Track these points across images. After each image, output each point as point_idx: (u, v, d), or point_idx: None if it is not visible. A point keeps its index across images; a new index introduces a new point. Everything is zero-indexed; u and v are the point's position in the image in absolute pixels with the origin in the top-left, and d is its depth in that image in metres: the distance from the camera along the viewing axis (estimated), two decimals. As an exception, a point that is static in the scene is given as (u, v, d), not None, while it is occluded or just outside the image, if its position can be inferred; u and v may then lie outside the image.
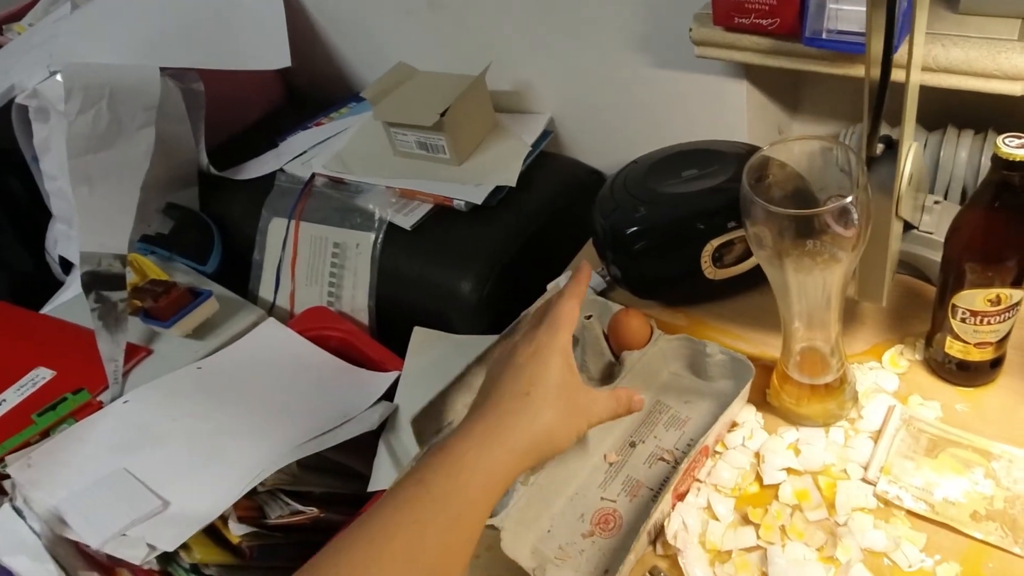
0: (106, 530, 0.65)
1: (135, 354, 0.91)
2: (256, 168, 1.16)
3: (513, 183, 1.00)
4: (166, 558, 0.66)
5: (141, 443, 0.74)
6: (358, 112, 1.24)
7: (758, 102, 0.97)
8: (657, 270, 0.72)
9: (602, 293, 0.77)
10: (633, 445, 0.62)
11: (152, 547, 0.64)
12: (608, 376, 0.65)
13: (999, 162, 0.50)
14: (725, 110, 0.96)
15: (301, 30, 1.27)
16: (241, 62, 1.14)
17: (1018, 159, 0.49)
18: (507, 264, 0.95)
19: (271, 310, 1.07)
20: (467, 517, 0.41)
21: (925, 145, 0.88)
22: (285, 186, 1.10)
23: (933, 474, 0.55)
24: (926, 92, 0.80)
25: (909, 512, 0.53)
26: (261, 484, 0.68)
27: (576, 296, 0.52)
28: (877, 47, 0.50)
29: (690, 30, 0.86)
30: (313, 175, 1.09)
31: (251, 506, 0.70)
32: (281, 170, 1.12)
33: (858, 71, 0.77)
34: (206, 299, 0.92)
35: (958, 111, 0.88)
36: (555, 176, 1.09)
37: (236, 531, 0.68)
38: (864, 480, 0.56)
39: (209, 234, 1.10)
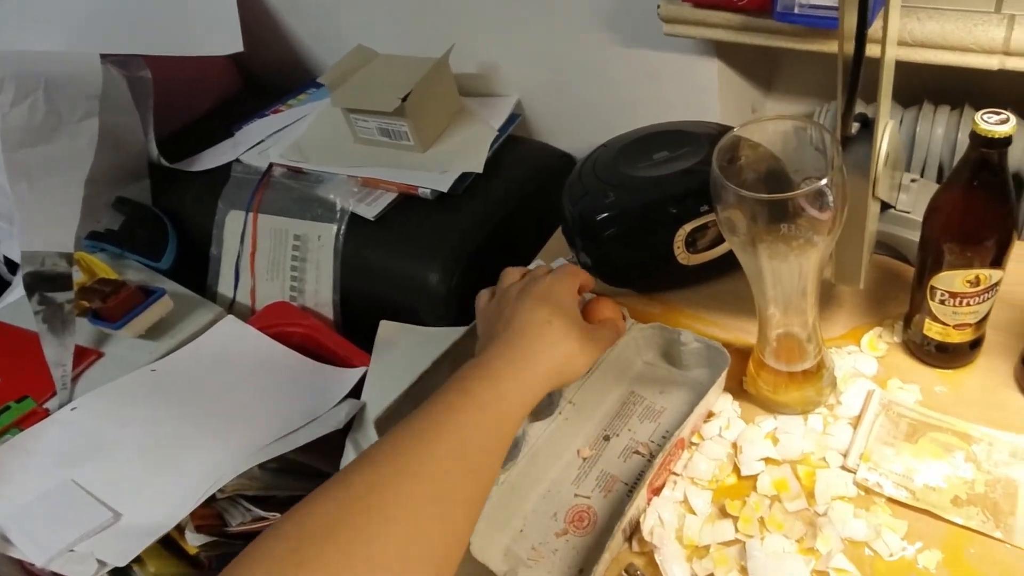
0: (52, 547, 0.63)
1: (84, 358, 0.88)
2: (211, 159, 1.13)
3: (480, 169, 0.98)
4: (118, 573, 0.63)
5: (90, 452, 0.72)
6: (317, 98, 1.21)
7: (730, 80, 0.96)
8: (629, 257, 0.71)
9: (573, 282, 0.75)
10: (607, 439, 0.61)
11: (102, 563, 0.62)
12: (580, 368, 0.64)
13: (977, 139, 0.49)
14: (697, 89, 0.95)
15: (254, 13, 1.24)
16: (190, 47, 1.11)
17: (997, 136, 0.48)
18: (475, 253, 0.93)
19: (231, 307, 1.04)
20: (504, 425, 0.46)
21: (901, 122, 0.88)
22: (242, 177, 1.07)
23: (913, 460, 0.55)
24: (902, 67, 0.80)
25: (890, 499, 0.53)
26: (220, 491, 0.66)
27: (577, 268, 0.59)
28: (851, 21, 0.48)
29: (658, 7, 0.84)
30: (271, 165, 1.06)
31: (210, 514, 0.68)
32: (237, 160, 1.09)
33: (832, 47, 0.76)
34: (159, 298, 0.89)
35: (934, 86, 0.88)
36: (524, 161, 1.07)
37: (193, 541, 0.66)
38: (844, 468, 0.56)
39: (162, 229, 1.07)
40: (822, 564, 0.50)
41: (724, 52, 0.92)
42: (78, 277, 0.93)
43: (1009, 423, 0.57)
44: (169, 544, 0.67)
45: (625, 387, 0.64)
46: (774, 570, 0.49)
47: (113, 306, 0.87)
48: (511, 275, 0.58)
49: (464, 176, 0.98)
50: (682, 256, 0.70)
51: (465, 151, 1.02)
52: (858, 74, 0.48)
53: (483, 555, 0.52)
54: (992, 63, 0.73)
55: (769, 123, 0.53)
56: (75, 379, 0.86)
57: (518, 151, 1.08)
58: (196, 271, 1.07)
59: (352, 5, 1.16)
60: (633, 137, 0.78)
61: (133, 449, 0.72)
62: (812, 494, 0.54)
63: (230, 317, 0.91)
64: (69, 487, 0.68)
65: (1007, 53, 0.71)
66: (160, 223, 1.08)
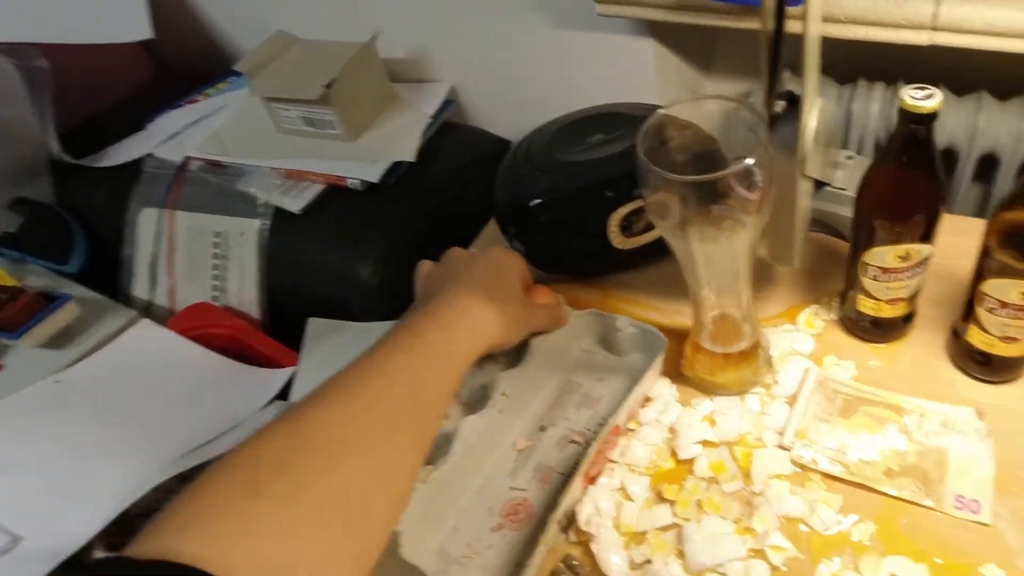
0: (-53, 575, 0.61)
1: (-21, 371, 0.86)
2: (121, 153, 1.10)
3: (412, 157, 0.99)
4: (23, 600, 0.62)
5: (-15, 473, 0.69)
6: (237, 87, 1.19)
7: (667, 61, 0.98)
8: (563, 243, 0.73)
9: (508, 270, 0.76)
10: (543, 429, 0.62)
11: (1, 590, 0.60)
12: (516, 358, 0.65)
13: (905, 115, 0.52)
14: (633, 71, 0.97)
15: (165, -4, 1.22)
16: (93, 34, 1.08)
17: (925, 111, 0.51)
18: (409, 244, 0.94)
19: (148, 310, 1.02)
20: (452, 369, 0.50)
21: (837, 99, 0.91)
22: (155, 172, 1.05)
23: (848, 434, 0.58)
24: (836, 44, 0.83)
25: (825, 475, 0.56)
26: (134, 506, 0.65)
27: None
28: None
29: (589, -15, 0.86)
30: (187, 159, 1.04)
31: (123, 532, 0.66)
32: (150, 155, 1.07)
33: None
34: (63, 304, 0.87)
35: (869, 63, 0.92)
36: (459, 148, 1.08)
37: (104, 561, 0.64)
38: (780, 446, 0.58)
39: (67, 230, 1.04)
40: (759, 543, 0.52)
41: (659, 32, 0.94)
42: (-29, 285, 0.90)
43: (940, 394, 0.60)
44: (78, 567, 0.65)
45: (562, 376, 0.66)
46: (711, 552, 0.51)
47: (11, 315, 0.84)
48: (457, 250, 0.63)
49: (396, 165, 0.98)
50: (617, 240, 0.71)
51: (396, 139, 1.02)
52: (779, 51, 0.50)
53: (414, 556, 0.52)
54: (922, 38, 0.76)
55: (697, 104, 0.55)
56: (-31, 395, 0.83)
57: (453, 138, 1.09)
58: (108, 274, 1.04)
59: (270, -13, 1.15)
60: (567, 121, 0.79)
61: (34, 467, 0.70)
62: (749, 474, 0.56)
63: (144, 321, 0.90)
64: (-38, 511, 0.66)
65: (936, 28, 0.75)
66: (64, 224, 1.05)
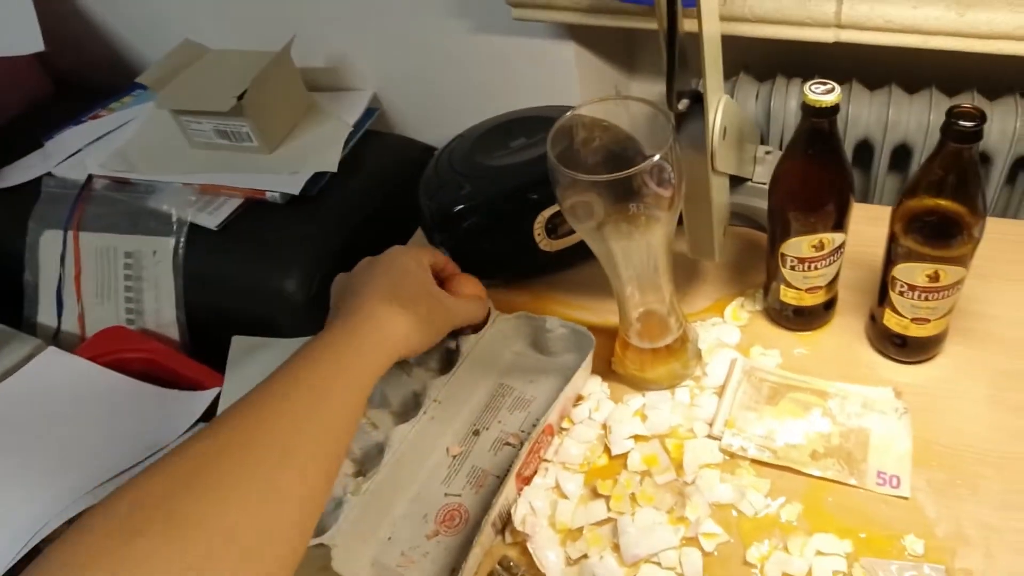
0: None
1: None
2: (17, 174, 1.09)
3: (334, 168, 1.00)
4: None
5: None
6: (144, 101, 1.19)
7: (589, 64, 1.03)
8: (489, 248, 0.76)
9: (436, 277, 0.79)
10: (477, 433, 0.64)
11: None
12: (448, 363, 0.67)
13: (808, 109, 0.56)
14: (555, 74, 1.02)
15: (59, 7, 1.20)
16: (-22, 48, 1.06)
17: (825, 105, 0.55)
18: (335, 256, 0.95)
19: (55, 337, 1.01)
20: (363, 373, 0.51)
21: (757, 96, 0.97)
22: (56, 192, 1.04)
23: (774, 421, 0.62)
24: (753, 44, 0.90)
25: (754, 461, 0.60)
26: (46, 541, 0.64)
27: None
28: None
29: (505, -11, 0.90)
30: (90, 177, 1.04)
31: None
32: (49, 174, 1.06)
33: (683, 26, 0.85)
34: (-40, 334, 0.85)
35: (786, 61, 0.99)
36: (384, 157, 1.10)
37: (16, 601, 0.64)
38: (710, 436, 0.62)
39: (-39, 257, 1.02)
40: (691, 531, 0.55)
41: (579, 35, 0.99)
42: None
43: (861, 376, 0.65)
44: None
45: (494, 379, 0.68)
46: (646, 543, 0.54)
47: (-98, 348, 0.82)
48: (367, 258, 0.63)
49: (318, 176, 1.00)
50: (544, 243, 0.75)
51: (317, 149, 1.04)
52: (674, 50, 0.54)
53: (347, 569, 0.54)
54: (828, 36, 0.83)
55: (611, 104, 0.59)
56: None
57: (377, 147, 1.11)
58: (8, 301, 1.02)
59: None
60: (490, 126, 0.82)
61: (-62, 503, 0.69)
62: (681, 465, 0.60)
63: (51, 349, 0.89)
64: None
65: (840, 26, 0.82)
66: (-41, 250, 1.03)
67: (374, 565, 0.56)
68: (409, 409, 0.64)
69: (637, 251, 0.58)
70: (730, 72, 1.00)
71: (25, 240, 1.02)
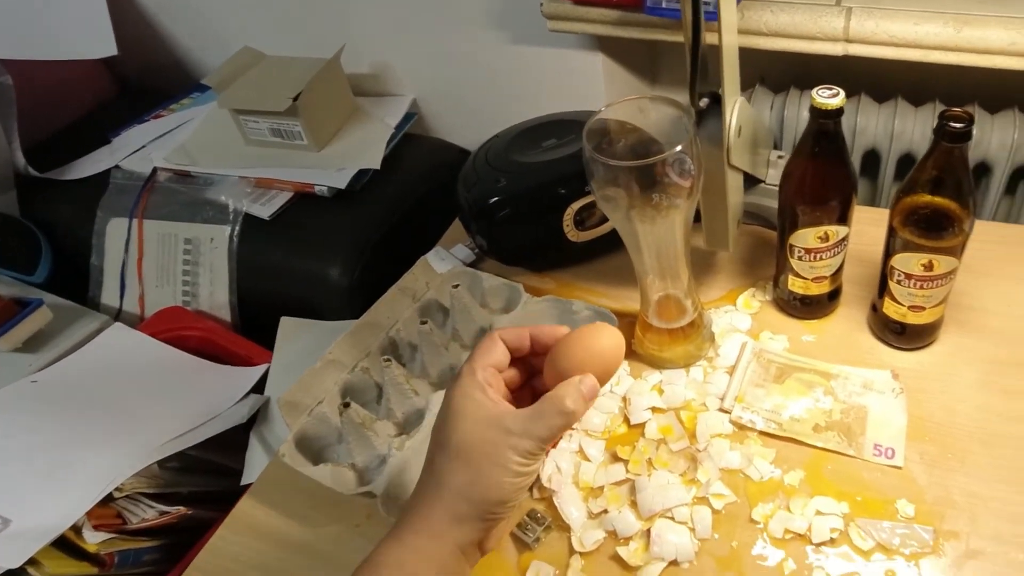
0: (-62, 555, 0.64)
1: (-43, 374, 0.89)
2: (87, 167, 1.15)
3: (377, 165, 1.06)
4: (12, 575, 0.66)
5: (-32, 464, 0.73)
6: (202, 103, 1.25)
7: (615, 73, 1.08)
8: (521, 237, 0.80)
9: (471, 264, 0.83)
10: (508, 403, 0.69)
11: (-8, 566, 0.64)
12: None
13: (815, 112, 0.61)
14: (583, 82, 1.06)
15: (128, 14, 1.27)
16: (58, 51, 1.13)
17: (830, 108, 0.60)
18: (376, 247, 1.00)
19: (118, 316, 1.07)
20: None
21: (772, 106, 1.01)
22: (122, 183, 1.10)
23: (781, 397, 0.66)
24: (768, 57, 0.94)
25: (761, 432, 0.64)
26: (118, 490, 0.69)
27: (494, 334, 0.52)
28: (688, 14, 0.60)
29: (541, 5, 0.95)
30: (155, 170, 1.10)
31: (108, 513, 0.71)
32: (117, 167, 1.12)
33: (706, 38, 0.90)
34: (36, 308, 0.91)
35: (799, 74, 1.03)
36: (422, 157, 1.15)
37: (92, 539, 0.69)
38: (721, 410, 0.66)
39: (34, 241, 1.08)
40: (702, 491, 0.59)
41: (606, 46, 1.03)
42: (-56, 294, 0.93)
43: (862, 360, 0.69)
44: (68, 545, 0.69)
45: (524, 357, 0.73)
46: (661, 499, 0.58)
47: (-16, 319, 0.88)
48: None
49: (362, 173, 1.05)
50: (571, 234, 0.79)
51: (362, 148, 1.09)
52: (697, 56, 0.59)
53: (394, 515, 0.58)
54: (837, 49, 0.87)
55: (638, 103, 0.63)
56: (-51, 396, 0.86)
57: (416, 148, 1.16)
58: (75, 283, 1.08)
59: (231, 8, 1.21)
60: (523, 128, 0.87)
61: (18, 456, 0.74)
62: (694, 435, 0.64)
63: (117, 324, 0.94)
64: (-51, 499, 0.70)
65: (848, 40, 0.86)
66: (31, 235, 1.09)
67: (414, 513, 0.60)
68: (446, 380, 0.69)
69: (659, 236, 0.62)
70: (747, 84, 1.04)
71: (93, 227, 1.08)
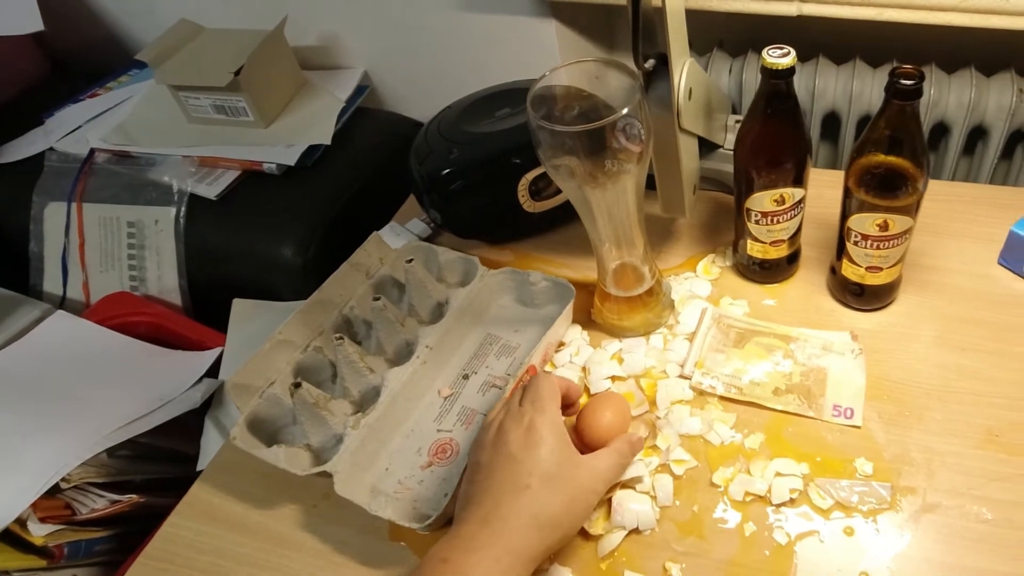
0: None
1: None
2: (19, 149, 1.12)
3: (328, 140, 1.04)
4: (-47, 575, 0.65)
5: (-93, 461, 0.72)
6: (141, 79, 1.22)
7: (570, 40, 1.07)
8: (476, 209, 0.80)
9: (428, 239, 0.83)
10: (466, 377, 0.69)
11: (-69, 565, 0.63)
12: (438, 316, 0.72)
13: (766, 72, 0.61)
14: (538, 50, 1.06)
15: (57, -12, 1.23)
16: (-23, 27, 1.09)
17: (781, 67, 0.60)
18: (331, 224, 0.99)
19: (62, 303, 1.05)
20: None
21: (730, 70, 1.02)
22: (58, 166, 1.07)
23: (741, 362, 0.67)
24: (727, 20, 0.95)
25: (721, 397, 0.65)
26: (64, 480, 0.69)
27: (553, 377, 0.57)
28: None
29: (492, -34, 0.95)
30: (92, 151, 1.07)
31: (56, 505, 0.70)
32: (51, 149, 1.09)
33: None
34: (-27, 298, 0.89)
35: (756, 37, 1.04)
36: (375, 132, 1.14)
37: (38, 532, 0.68)
38: (681, 376, 0.67)
39: (-32, 228, 1.05)
40: (663, 458, 0.61)
41: (560, 12, 1.03)
42: None
43: (822, 323, 0.70)
44: (13, 538, 0.69)
45: (481, 329, 0.73)
46: (620, 469, 0.59)
47: (-82, 311, 0.86)
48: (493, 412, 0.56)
49: (312, 149, 1.04)
50: (527, 204, 0.79)
51: (311, 124, 1.08)
52: (637, 15, 0.60)
53: (348, 493, 0.58)
54: (791, 9, 0.88)
55: (583, 67, 0.63)
56: None
57: (368, 122, 1.15)
58: (15, 270, 1.06)
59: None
60: (476, 98, 0.87)
61: (-42, 449, 0.73)
62: (654, 401, 0.65)
63: (60, 312, 0.92)
64: None
65: (802, 0, 0.87)
66: (-36, 222, 1.07)
67: (373, 491, 0.61)
68: (402, 356, 0.69)
69: (611, 203, 0.62)
70: (705, 48, 1.05)
71: (30, 212, 1.05)
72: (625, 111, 0.55)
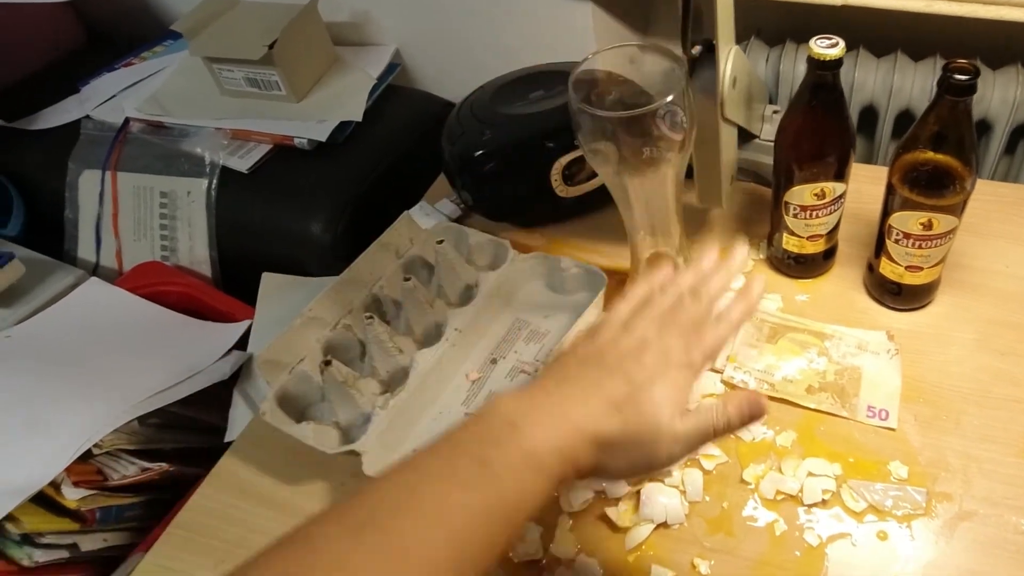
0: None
1: (-75, 331, 0.86)
2: (55, 116, 1.10)
3: (359, 117, 1.02)
4: (-10, 533, 0.65)
5: (-59, 421, 0.72)
6: (175, 50, 1.20)
7: (606, 23, 1.04)
8: (507, 191, 0.78)
9: (457, 220, 0.81)
10: (494, 362, 0.67)
11: (-36, 524, 0.63)
12: (466, 298, 0.70)
13: (813, 63, 0.58)
14: (573, 32, 1.03)
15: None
16: (12, -6, 1.08)
17: (829, 58, 0.57)
18: (359, 201, 0.97)
19: (95, 270, 1.04)
20: (525, 507, 0.39)
21: (767, 59, 0.99)
22: (93, 134, 1.06)
23: (774, 357, 0.65)
24: (766, 8, 0.91)
25: (752, 393, 0.63)
26: (97, 447, 0.68)
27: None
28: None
29: (530, -53, 0.92)
30: (127, 120, 1.06)
31: (88, 470, 0.70)
32: (87, 117, 1.08)
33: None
34: (7, 262, 0.88)
35: (795, 26, 1.00)
36: (406, 110, 1.12)
37: (71, 496, 0.68)
38: (712, 370, 0.65)
39: (4, 193, 1.04)
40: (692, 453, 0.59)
41: (596, -6, 1.00)
42: (-91, 248, 0.90)
43: (857, 321, 0.68)
44: (47, 501, 0.69)
45: (511, 314, 0.71)
46: (650, 461, 0.58)
47: (-47, 273, 0.85)
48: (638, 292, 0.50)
49: (343, 125, 1.02)
50: (560, 189, 0.77)
51: (342, 100, 1.06)
52: (689, 4, 0.57)
53: (377, 473, 0.57)
54: (836, -1, 0.84)
55: (624, 51, 0.61)
56: (-83, 353, 0.84)
57: (399, 100, 1.13)
58: (50, 236, 1.05)
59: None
60: (509, 79, 0.84)
61: (-9, 413, 0.72)
62: (685, 395, 0.63)
63: (94, 279, 0.92)
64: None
65: (849, -12, 0.83)
66: (1, 186, 1.06)
67: (400, 474, 0.59)
68: (431, 338, 0.67)
69: (649, 192, 0.60)
70: (742, 37, 1.01)
71: (65, 179, 1.04)
72: (670, 98, 0.52)
